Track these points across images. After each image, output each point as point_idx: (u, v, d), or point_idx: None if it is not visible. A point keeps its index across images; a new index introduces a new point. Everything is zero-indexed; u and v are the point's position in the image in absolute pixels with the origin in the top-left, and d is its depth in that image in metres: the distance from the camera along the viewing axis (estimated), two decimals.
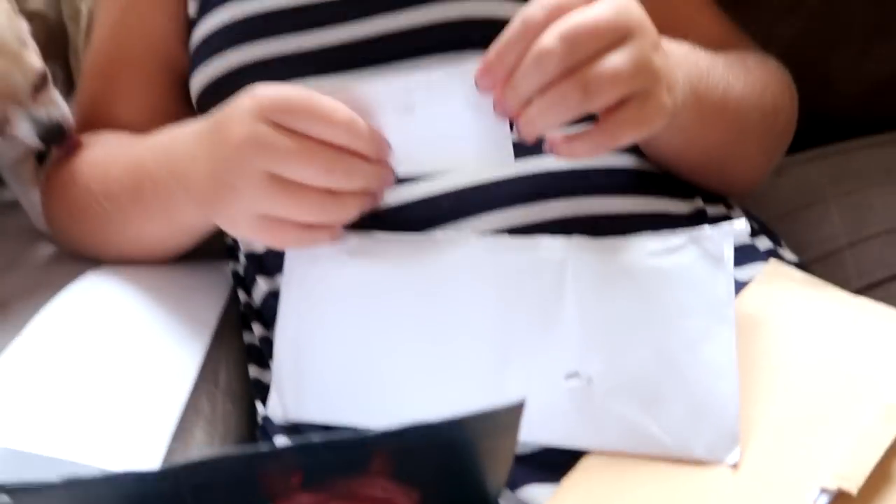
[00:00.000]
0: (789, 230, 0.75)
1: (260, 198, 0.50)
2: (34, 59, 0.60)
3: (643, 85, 0.47)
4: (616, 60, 0.46)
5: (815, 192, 0.82)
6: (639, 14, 0.48)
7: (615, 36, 0.46)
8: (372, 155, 0.50)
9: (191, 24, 0.68)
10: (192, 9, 0.69)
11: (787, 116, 0.68)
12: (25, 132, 0.62)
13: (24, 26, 0.63)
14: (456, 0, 0.60)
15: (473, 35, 0.57)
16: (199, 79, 0.65)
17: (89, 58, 0.74)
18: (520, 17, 0.47)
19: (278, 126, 0.48)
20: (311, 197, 0.49)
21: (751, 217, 0.68)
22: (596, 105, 0.46)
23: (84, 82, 0.74)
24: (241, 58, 0.62)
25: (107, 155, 0.65)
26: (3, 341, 0.58)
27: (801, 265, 0.66)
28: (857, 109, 0.91)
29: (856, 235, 0.78)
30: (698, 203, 0.62)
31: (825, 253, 0.78)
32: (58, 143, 0.64)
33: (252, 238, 0.57)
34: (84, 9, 0.75)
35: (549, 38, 0.45)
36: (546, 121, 0.47)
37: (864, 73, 0.90)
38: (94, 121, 0.70)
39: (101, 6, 0.73)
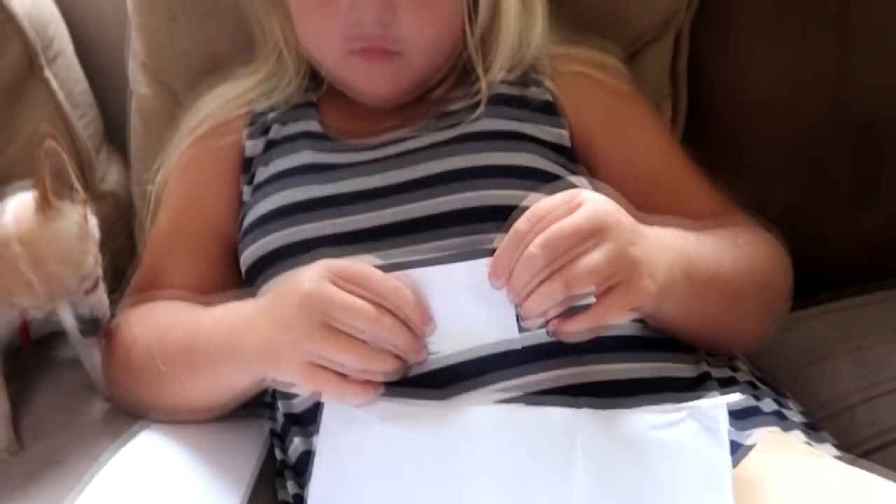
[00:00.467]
0: (799, 386, 0.78)
1: (313, 342, 0.57)
2: (91, 264, 0.69)
3: (622, 275, 0.56)
4: (593, 258, 0.55)
5: (824, 347, 0.85)
6: (613, 216, 0.57)
7: (591, 237, 0.56)
8: (414, 321, 0.58)
9: (243, 206, 0.78)
10: (247, 195, 0.79)
11: (780, 284, 0.74)
12: (69, 323, 0.70)
13: (93, 229, 0.71)
14: (473, 190, 0.69)
15: (489, 218, 0.66)
16: (252, 252, 0.74)
17: (154, 232, 0.83)
18: (513, 228, 0.56)
19: (339, 286, 0.57)
20: (355, 346, 0.57)
21: (757, 375, 0.72)
22: (579, 295, 0.55)
23: (147, 253, 0.82)
24: (287, 238, 0.71)
25: (167, 321, 0.72)
26: (59, 496, 0.64)
27: (812, 424, 0.69)
28: (853, 263, 0.95)
29: (867, 392, 0.80)
30: (703, 367, 0.67)
31: (837, 410, 0.79)
32: (94, 334, 0.73)
33: (297, 381, 0.62)
34: (151, 190, 0.85)
35: (533, 246, 0.55)
36: (540, 309, 0.56)
37: (857, 233, 0.95)
38: (153, 286, 0.78)
39: (168, 190, 0.83)
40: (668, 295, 0.59)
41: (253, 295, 0.72)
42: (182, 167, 0.82)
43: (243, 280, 0.76)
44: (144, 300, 0.76)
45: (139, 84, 0.94)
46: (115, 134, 1.00)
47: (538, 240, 0.55)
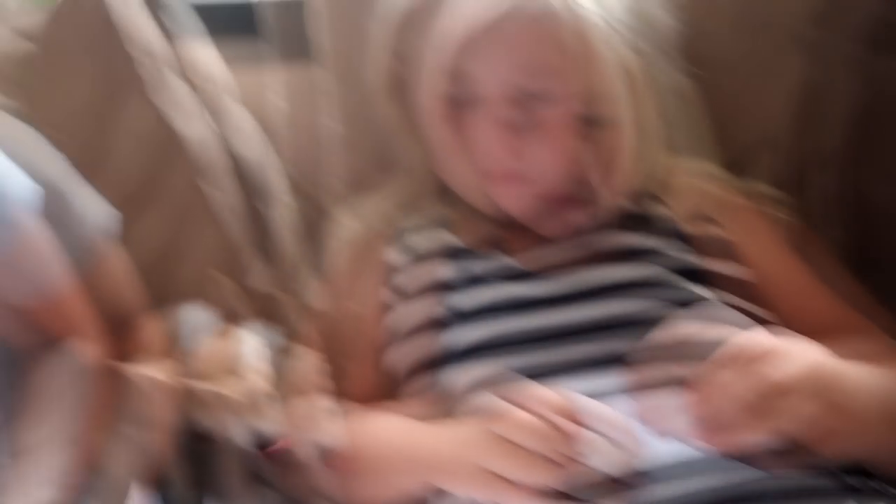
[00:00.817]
0: None
1: (491, 455, 0.65)
2: (263, 386, 0.76)
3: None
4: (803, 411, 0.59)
5: None
6: (829, 372, 0.61)
7: (801, 393, 0.59)
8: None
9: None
10: (387, 297, 0.85)
11: None
12: (241, 439, 0.76)
13: (261, 348, 0.78)
14: (630, 298, 0.76)
15: (642, 330, 0.70)
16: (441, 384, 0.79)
17: (317, 339, 0.88)
18: (713, 367, 0.60)
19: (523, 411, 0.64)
20: (528, 459, 0.63)
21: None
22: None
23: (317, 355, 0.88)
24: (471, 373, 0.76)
25: (372, 426, 0.78)
26: None
27: None
28: None
29: None
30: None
31: None
32: (264, 449, 0.77)
33: (469, 489, 0.68)
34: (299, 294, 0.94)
35: (748, 393, 0.58)
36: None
37: None
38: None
39: (325, 298, 0.90)
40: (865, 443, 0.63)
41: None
42: (335, 276, 0.90)
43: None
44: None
45: (285, 195, 1.03)
46: (262, 241, 1.07)
47: (751, 389, 0.58)
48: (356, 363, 0.85)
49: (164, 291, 0.93)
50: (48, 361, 0.80)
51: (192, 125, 1.01)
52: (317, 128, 1.01)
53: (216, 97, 1.04)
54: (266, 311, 0.96)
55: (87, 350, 0.82)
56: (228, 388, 0.74)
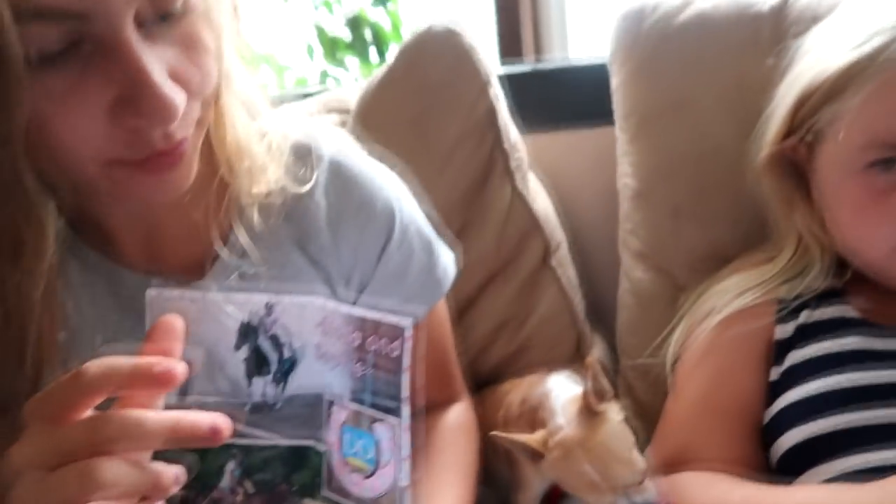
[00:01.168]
0: None
1: None
2: (640, 458, 0.75)
3: None
4: None
5: None
6: None
7: None
8: None
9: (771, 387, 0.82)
10: (774, 375, 0.82)
11: None
12: None
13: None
14: None
15: None
16: (793, 435, 0.77)
17: (677, 407, 0.88)
18: None
19: None
20: None
21: None
22: None
23: (670, 426, 0.88)
24: (834, 425, 0.74)
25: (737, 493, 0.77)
26: None
27: None
28: None
29: None
30: None
31: None
32: None
33: None
34: (644, 363, 0.93)
35: None
36: None
37: None
38: (685, 459, 0.83)
39: (688, 369, 0.88)
40: None
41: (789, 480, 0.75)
42: (705, 349, 0.87)
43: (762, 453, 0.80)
44: (681, 471, 0.82)
45: (634, 269, 1.03)
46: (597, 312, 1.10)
47: None
48: (724, 433, 0.83)
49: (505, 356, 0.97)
50: (444, 423, 0.84)
51: (540, 202, 1.06)
52: (675, 206, 1.00)
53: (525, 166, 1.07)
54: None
55: (467, 411, 0.86)
56: (619, 470, 0.73)
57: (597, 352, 1.06)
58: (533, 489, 0.84)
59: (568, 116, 1.12)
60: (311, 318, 0.53)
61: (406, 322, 0.50)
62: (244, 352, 0.53)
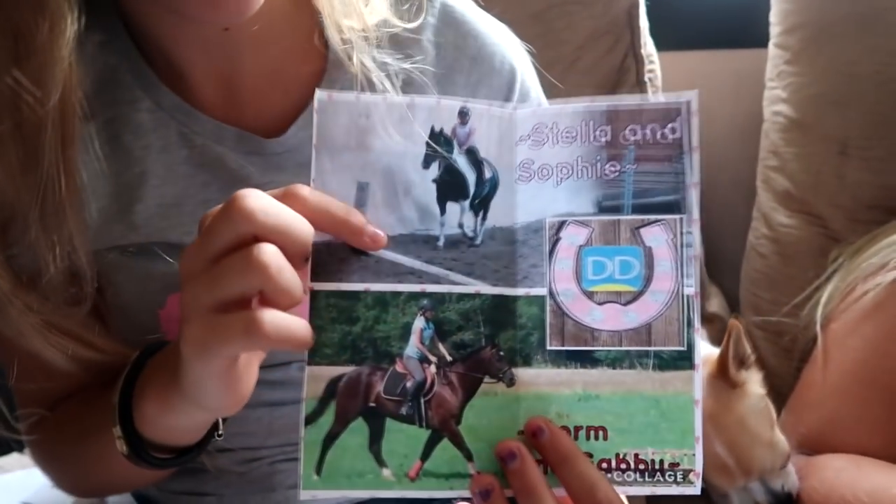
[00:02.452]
0: None
1: None
2: (783, 441, 0.66)
3: None
4: None
5: None
6: None
7: None
8: None
9: None
10: None
11: None
12: (760, 497, 0.67)
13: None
14: None
15: None
16: None
17: (828, 375, 0.76)
18: None
19: None
20: None
21: None
22: None
23: (818, 399, 0.77)
24: None
25: None
26: None
27: None
28: None
29: None
30: None
31: None
32: None
33: None
34: (803, 317, 0.81)
35: None
36: None
37: None
38: (821, 440, 0.72)
39: (850, 326, 0.76)
40: None
41: None
42: (869, 310, 0.75)
43: None
44: (822, 452, 0.72)
45: (776, 213, 0.93)
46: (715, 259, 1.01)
47: None
48: (874, 409, 0.72)
49: None
50: None
51: None
52: (844, 143, 0.88)
53: None
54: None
55: None
56: (757, 452, 0.64)
57: (714, 304, 0.96)
58: None
59: (702, 37, 1.02)
60: (520, 126, 0.43)
61: (690, 95, 0.42)
62: (434, 170, 0.44)
